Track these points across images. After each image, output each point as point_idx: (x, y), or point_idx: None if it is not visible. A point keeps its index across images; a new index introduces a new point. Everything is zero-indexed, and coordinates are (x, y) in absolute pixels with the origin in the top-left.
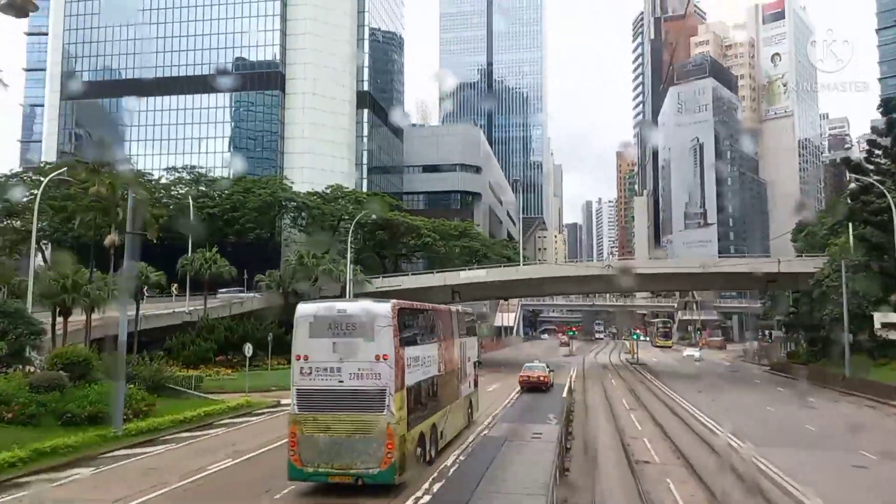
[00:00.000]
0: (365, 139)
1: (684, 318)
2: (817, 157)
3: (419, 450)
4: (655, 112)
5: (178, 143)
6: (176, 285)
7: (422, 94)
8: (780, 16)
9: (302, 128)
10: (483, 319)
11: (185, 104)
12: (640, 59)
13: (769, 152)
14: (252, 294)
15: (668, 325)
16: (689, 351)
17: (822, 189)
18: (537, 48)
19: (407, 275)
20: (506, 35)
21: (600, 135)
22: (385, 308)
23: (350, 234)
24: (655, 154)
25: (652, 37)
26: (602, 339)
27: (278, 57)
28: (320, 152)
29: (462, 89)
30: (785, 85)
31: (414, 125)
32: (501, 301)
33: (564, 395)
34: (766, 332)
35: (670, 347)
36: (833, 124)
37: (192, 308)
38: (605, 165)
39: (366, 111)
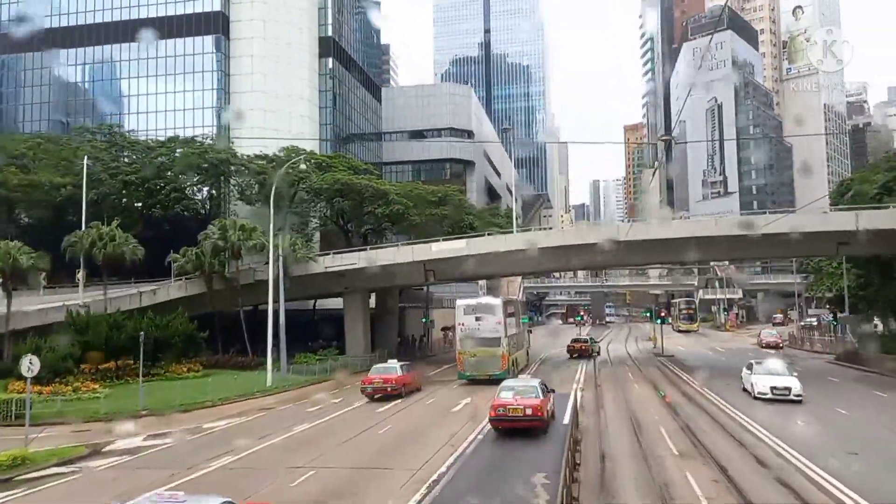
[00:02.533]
0: (329, 94)
1: (706, 297)
2: (843, 120)
3: (513, 366)
4: (667, 78)
5: (99, 103)
6: (81, 271)
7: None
8: None
9: (250, 80)
10: None
11: (106, 55)
12: (646, 28)
13: (792, 114)
14: (166, 281)
15: (692, 306)
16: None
17: (848, 155)
18: (537, 22)
19: (365, 250)
20: (504, 13)
21: (607, 111)
22: (498, 300)
23: (274, 202)
24: (668, 120)
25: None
26: (614, 322)
27: None
28: (273, 109)
29: (459, 64)
30: (808, 40)
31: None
32: (502, 283)
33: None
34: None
35: (696, 331)
36: (850, 92)
37: (90, 299)
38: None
39: (330, 60)
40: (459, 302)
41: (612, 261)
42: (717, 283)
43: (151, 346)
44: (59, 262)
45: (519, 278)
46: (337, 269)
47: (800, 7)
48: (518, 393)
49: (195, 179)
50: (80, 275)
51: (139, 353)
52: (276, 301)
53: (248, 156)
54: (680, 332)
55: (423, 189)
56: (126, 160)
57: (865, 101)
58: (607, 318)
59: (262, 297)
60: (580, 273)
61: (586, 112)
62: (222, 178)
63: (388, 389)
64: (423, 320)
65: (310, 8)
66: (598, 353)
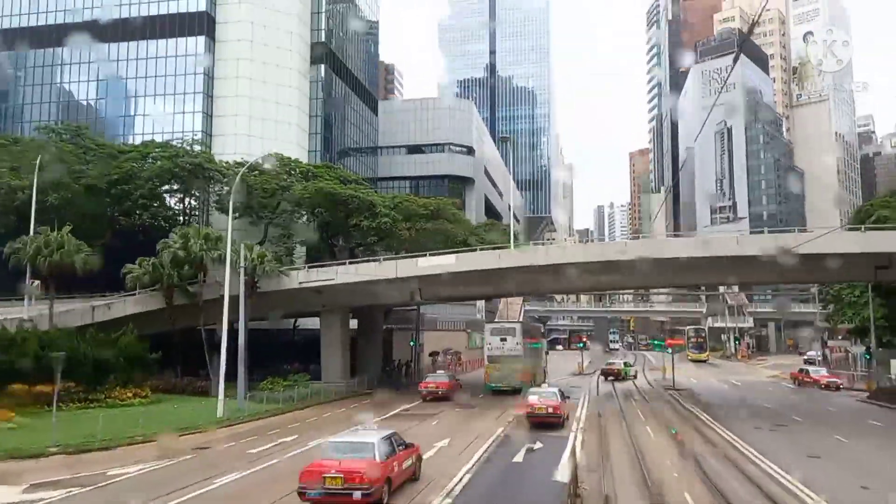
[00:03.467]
0: (321, 102)
1: (715, 325)
2: (854, 149)
3: (531, 380)
4: (674, 102)
5: (77, 109)
6: (35, 282)
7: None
8: None
9: (236, 84)
10: (475, 328)
11: (84, 56)
12: (654, 50)
13: (803, 140)
14: (120, 296)
15: (703, 335)
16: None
17: (859, 184)
18: (543, 45)
19: (344, 263)
20: (510, 35)
21: (612, 137)
22: (518, 324)
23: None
24: (675, 145)
25: (670, 17)
26: (618, 349)
27: None
28: (259, 115)
29: (464, 85)
30: (820, 65)
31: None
32: (500, 306)
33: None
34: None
35: (705, 361)
36: (858, 121)
37: (36, 313)
38: (617, 169)
39: (322, 67)
40: (487, 325)
41: (617, 282)
42: (726, 311)
43: (90, 368)
44: (7, 274)
45: (519, 301)
46: (312, 285)
47: (810, 33)
48: (542, 396)
49: (167, 187)
50: (28, 286)
51: (82, 375)
52: (233, 319)
53: (226, 162)
54: (691, 360)
55: (414, 201)
56: (91, 163)
57: (873, 132)
58: (611, 346)
59: (229, 314)
60: (583, 297)
61: (591, 136)
62: (200, 185)
63: (440, 393)
64: (411, 343)
65: (302, 11)
66: (636, 375)
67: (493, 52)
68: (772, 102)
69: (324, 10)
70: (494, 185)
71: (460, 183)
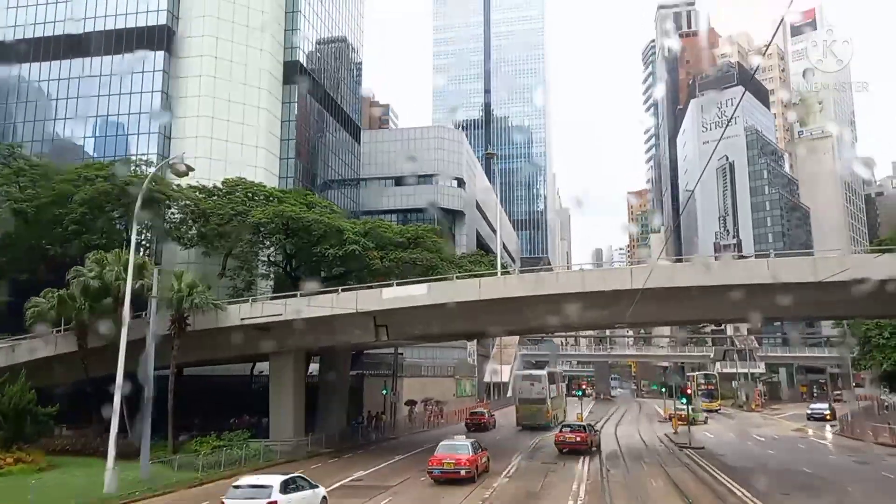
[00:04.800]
0: (294, 125)
1: (724, 370)
2: (858, 187)
3: (554, 419)
4: (673, 139)
5: (26, 127)
6: None
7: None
8: (810, 27)
9: (197, 104)
10: (465, 373)
11: (34, 74)
12: (650, 89)
13: (806, 178)
14: (24, 338)
15: (713, 381)
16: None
17: (865, 223)
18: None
19: (295, 296)
20: (505, 74)
21: (610, 178)
22: (544, 371)
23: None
24: (675, 184)
25: (667, 54)
26: (619, 396)
27: (165, 6)
28: (224, 138)
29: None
30: (821, 103)
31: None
32: (494, 350)
33: None
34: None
35: (717, 410)
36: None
37: None
38: (615, 211)
39: (297, 88)
40: (516, 372)
41: (621, 318)
42: (735, 356)
43: None
44: None
45: (514, 343)
46: (256, 321)
47: (810, 69)
48: (573, 430)
49: (105, 211)
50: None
51: None
52: (164, 365)
53: (176, 185)
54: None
55: (389, 228)
56: (22, 186)
57: (874, 176)
58: (612, 392)
59: (157, 358)
60: (582, 341)
61: (589, 177)
62: (146, 211)
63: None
64: (384, 392)
65: (274, 28)
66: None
67: (487, 92)
68: (773, 138)
69: (300, 27)
70: (487, 221)
71: (450, 216)
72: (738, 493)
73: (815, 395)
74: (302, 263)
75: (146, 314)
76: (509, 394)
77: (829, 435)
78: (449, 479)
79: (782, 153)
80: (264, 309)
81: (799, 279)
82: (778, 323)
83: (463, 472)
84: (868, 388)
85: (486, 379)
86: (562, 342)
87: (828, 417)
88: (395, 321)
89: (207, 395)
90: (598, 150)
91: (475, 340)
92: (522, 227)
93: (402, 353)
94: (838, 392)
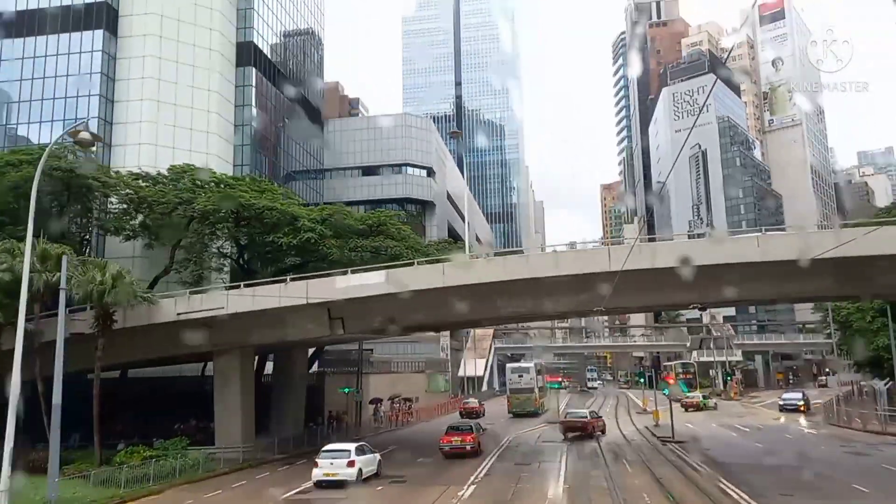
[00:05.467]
0: (249, 110)
1: (701, 359)
2: (829, 174)
3: (542, 406)
4: (644, 129)
5: None
6: None
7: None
8: (779, 16)
9: (141, 86)
10: (437, 369)
11: None
12: (622, 82)
13: (777, 166)
14: None
15: (691, 370)
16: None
17: (835, 210)
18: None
19: (238, 287)
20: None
21: (583, 172)
22: (532, 364)
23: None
24: (647, 174)
25: (636, 45)
26: (596, 388)
27: None
28: (170, 122)
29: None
30: (790, 91)
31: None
32: (469, 343)
33: None
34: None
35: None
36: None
37: None
38: (589, 203)
39: (252, 71)
40: (509, 365)
41: (599, 303)
42: (711, 344)
43: None
44: None
45: (489, 336)
46: (195, 316)
47: (779, 58)
48: (575, 416)
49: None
50: None
51: None
52: (87, 368)
53: (116, 172)
54: (677, 401)
55: (349, 214)
56: None
57: (836, 163)
58: (589, 384)
59: (81, 359)
60: (558, 332)
61: (562, 170)
62: (79, 201)
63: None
64: (344, 391)
65: (225, 7)
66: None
67: (458, 84)
68: (745, 127)
69: (254, 6)
70: (459, 213)
71: (419, 207)
72: (734, 496)
73: (790, 381)
74: (255, 255)
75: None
76: (484, 388)
77: (804, 423)
78: (456, 453)
79: (754, 141)
80: (203, 302)
81: (790, 256)
82: (753, 310)
83: (468, 448)
84: (847, 373)
85: (461, 373)
86: (537, 333)
87: (802, 409)
88: (351, 313)
89: (153, 398)
90: (570, 143)
91: (448, 334)
92: (496, 219)
93: (370, 350)
94: (822, 378)
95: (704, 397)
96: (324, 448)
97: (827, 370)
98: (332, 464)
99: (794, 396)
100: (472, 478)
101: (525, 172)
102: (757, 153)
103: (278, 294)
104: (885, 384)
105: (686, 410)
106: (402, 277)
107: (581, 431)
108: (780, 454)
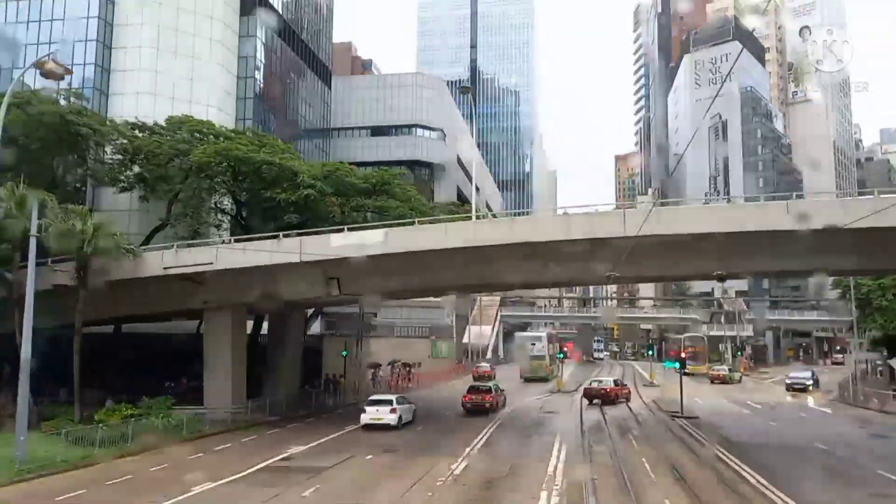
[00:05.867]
0: (253, 61)
1: (711, 333)
2: (851, 150)
3: (551, 374)
4: (664, 98)
5: None
6: None
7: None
8: None
9: (139, 33)
10: (441, 335)
11: None
12: (641, 49)
13: (799, 140)
14: None
15: (702, 344)
16: None
17: (855, 186)
18: (526, 41)
19: (228, 242)
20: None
21: (599, 140)
22: (544, 332)
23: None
24: (664, 144)
25: (659, 10)
26: (603, 359)
27: None
28: (170, 71)
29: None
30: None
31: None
32: (474, 312)
33: None
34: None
35: (704, 374)
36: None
37: None
38: (603, 174)
39: (256, 20)
40: (518, 334)
41: (611, 271)
42: (723, 318)
43: None
44: None
45: (494, 305)
46: (182, 270)
47: (807, 27)
48: (600, 384)
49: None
50: None
51: None
52: (69, 320)
53: (111, 121)
54: (686, 375)
55: (351, 172)
56: None
57: (860, 140)
58: (596, 355)
59: (65, 313)
60: (565, 303)
61: (577, 139)
62: (71, 148)
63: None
64: (344, 354)
65: None
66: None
67: (473, 47)
68: (768, 98)
69: None
70: (470, 178)
71: (429, 170)
72: (752, 481)
73: (800, 358)
74: (254, 211)
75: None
76: (489, 355)
77: (818, 401)
78: (477, 409)
79: (777, 113)
80: (192, 256)
81: (822, 224)
82: (766, 286)
83: (487, 405)
84: (863, 352)
85: (465, 341)
86: (545, 304)
87: (809, 389)
88: (347, 273)
89: (146, 355)
90: (586, 112)
91: (453, 300)
92: (507, 188)
93: (373, 314)
94: (838, 356)
95: (730, 370)
96: (369, 398)
97: (838, 347)
98: (377, 410)
99: (801, 375)
100: (480, 435)
101: (538, 141)
102: (779, 125)
103: (270, 250)
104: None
105: (712, 383)
106: (401, 237)
107: (603, 399)
108: (797, 435)
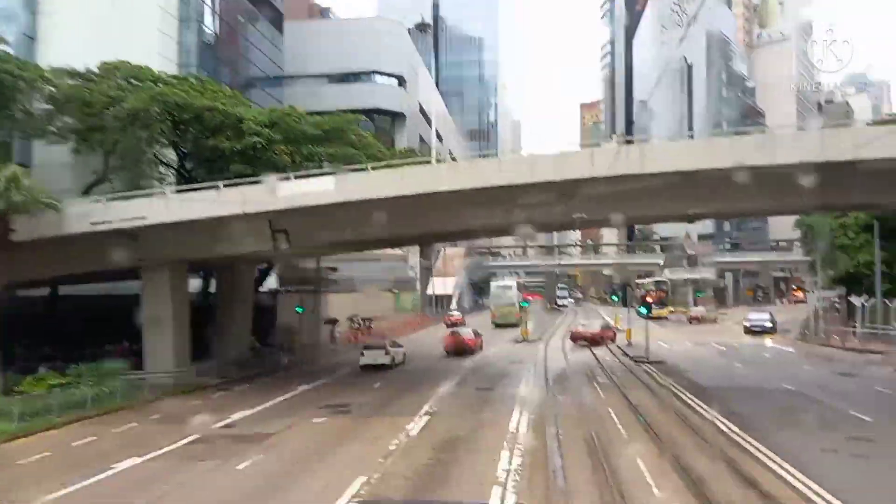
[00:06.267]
0: (195, 4)
1: (673, 277)
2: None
3: (519, 320)
4: (629, 43)
5: None
6: None
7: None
8: None
9: None
10: (404, 288)
11: None
12: None
13: (762, 84)
14: None
15: (664, 288)
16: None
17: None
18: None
19: (163, 194)
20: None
21: (564, 91)
22: (514, 282)
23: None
24: (629, 91)
25: None
26: (567, 306)
27: None
28: (103, 15)
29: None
30: (781, 3)
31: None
32: (438, 262)
33: None
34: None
35: (665, 318)
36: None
37: None
38: (568, 123)
39: None
40: (493, 283)
41: (579, 214)
42: (684, 262)
43: None
44: None
45: (460, 256)
46: (112, 226)
47: None
48: (586, 327)
49: None
50: None
51: None
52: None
53: (35, 66)
54: (649, 318)
55: (302, 118)
56: None
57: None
58: (559, 301)
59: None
60: (531, 251)
61: (542, 88)
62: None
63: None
64: (299, 311)
65: None
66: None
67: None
68: (734, 40)
69: None
70: (431, 124)
71: (389, 119)
72: (724, 429)
73: (759, 298)
74: (199, 163)
75: None
76: (453, 306)
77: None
78: (458, 351)
79: (742, 56)
80: (123, 210)
81: (805, 158)
82: (727, 228)
83: (467, 348)
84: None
85: (430, 292)
86: (511, 253)
87: (769, 332)
88: (296, 225)
89: (87, 318)
90: (552, 60)
91: (417, 252)
92: (472, 137)
93: (333, 268)
94: (798, 294)
95: (707, 311)
96: (364, 344)
97: (794, 287)
98: (374, 354)
99: (760, 317)
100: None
101: (504, 90)
102: (744, 68)
103: (210, 201)
104: (867, 301)
105: (690, 323)
106: (353, 184)
107: (590, 341)
108: (765, 377)
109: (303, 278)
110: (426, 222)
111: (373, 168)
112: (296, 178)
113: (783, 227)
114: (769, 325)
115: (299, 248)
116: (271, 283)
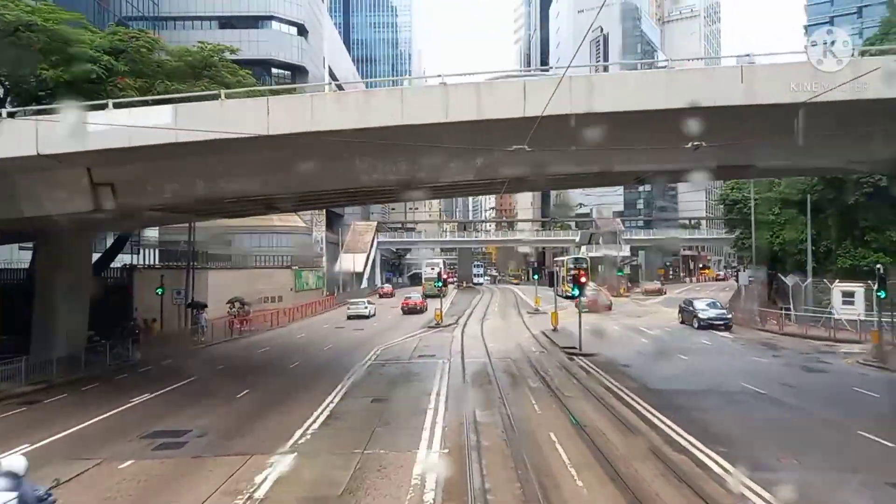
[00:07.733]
0: None
1: (591, 254)
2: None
3: (444, 293)
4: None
5: None
6: None
7: None
8: None
9: None
10: (310, 264)
11: None
12: None
13: (674, 54)
14: None
15: (583, 266)
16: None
17: None
18: None
19: None
20: None
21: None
22: (440, 260)
23: None
24: (545, 60)
25: None
26: (482, 283)
27: None
28: None
29: None
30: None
31: None
32: (348, 237)
33: None
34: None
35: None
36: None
37: None
38: None
39: None
40: (426, 261)
41: (513, 170)
42: (600, 239)
43: None
44: None
45: (370, 231)
46: None
47: None
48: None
49: None
50: None
51: None
52: None
53: None
54: (568, 298)
55: (156, 45)
56: None
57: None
58: (476, 280)
59: None
60: (447, 226)
61: (457, 57)
62: None
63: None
64: (159, 292)
65: None
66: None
67: None
68: (647, 13)
69: None
70: (341, 88)
71: (289, 73)
72: (720, 472)
73: (670, 276)
74: (22, 99)
75: None
76: (364, 284)
77: None
78: (411, 311)
79: (654, 29)
80: None
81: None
82: (641, 206)
83: (418, 308)
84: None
85: (337, 269)
86: (426, 230)
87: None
88: (126, 177)
89: None
90: (467, 28)
91: (323, 225)
92: None
93: (229, 240)
94: (720, 272)
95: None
96: (349, 300)
97: (701, 265)
98: (357, 306)
99: (716, 310)
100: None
101: (417, 57)
102: (657, 40)
103: None
104: (802, 281)
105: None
106: (200, 117)
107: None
108: (717, 372)
109: (175, 252)
110: (307, 178)
111: (227, 96)
112: (115, 106)
113: (694, 206)
114: (729, 316)
115: (133, 207)
116: (126, 257)
